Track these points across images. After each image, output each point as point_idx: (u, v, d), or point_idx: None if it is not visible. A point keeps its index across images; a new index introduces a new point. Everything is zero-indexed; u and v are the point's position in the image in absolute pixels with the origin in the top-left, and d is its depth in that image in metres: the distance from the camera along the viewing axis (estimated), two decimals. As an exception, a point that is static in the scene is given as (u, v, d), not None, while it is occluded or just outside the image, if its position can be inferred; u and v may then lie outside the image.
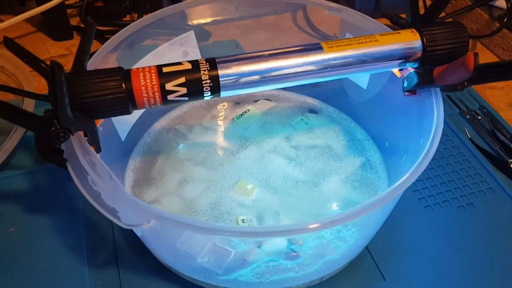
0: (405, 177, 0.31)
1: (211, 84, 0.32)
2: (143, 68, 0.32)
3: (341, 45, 0.34)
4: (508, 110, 0.54)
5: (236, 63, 0.33)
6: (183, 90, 0.32)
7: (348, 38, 0.34)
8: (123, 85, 0.31)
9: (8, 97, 0.47)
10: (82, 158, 0.30)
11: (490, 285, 0.39)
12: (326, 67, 0.34)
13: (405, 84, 0.37)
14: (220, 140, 0.45)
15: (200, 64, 0.32)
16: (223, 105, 0.49)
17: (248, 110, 0.48)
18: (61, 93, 0.28)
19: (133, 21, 0.64)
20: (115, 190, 0.29)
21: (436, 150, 0.45)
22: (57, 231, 0.41)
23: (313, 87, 0.50)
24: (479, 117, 0.51)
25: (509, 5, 0.57)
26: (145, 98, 0.31)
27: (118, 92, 0.31)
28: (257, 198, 0.40)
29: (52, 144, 0.30)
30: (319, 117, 0.48)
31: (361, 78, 0.44)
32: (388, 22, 0.64)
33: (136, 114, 0.44)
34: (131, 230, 0.39)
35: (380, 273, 0.39)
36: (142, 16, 0.63)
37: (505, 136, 0.49)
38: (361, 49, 0.34)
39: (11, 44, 0.32)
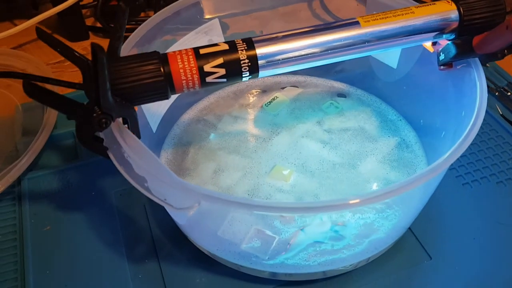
0: (446, 155, 0.30)
1: (249, 63, 0.32)
2: (180, 51, 0.31)
3: (377, 19, 0.33)
4: (537, 85, 0.53)
5: (273, 41, 0.32)
6: (222, 71, 0.31)
7: (384, 12, 0.34)
8: (162, 69, 0.30)
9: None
10: (125, 144, 0.30)
11: (538, 258, 0.38)
12: (364, 42, 0.33)
13: (442, 57, 0.37)
14: (250, 128, 0.45)
15: (237, 44, 0.32)
16: (250, 93, 0.48)
17: (276, 97, 0.47)
18: (103, 76, 0.27)
19: (148, 17, 0.65)
20: (163, 175, 0.28)
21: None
22: (93, 228, 0.41)
23: (339, 72, 0.49)
24: (508, 93, 0.51)
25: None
26: (184, 81, 0.31)
27: (157, 76, 0.30)
28: (295, 182, 0.40)
29: (93, 131, 0.29)
30: (349, 100, 0.47)
31: (391, 58, 0.44)
32: None
33: (165, 105, 0.43)
34: (168, 221, 0.38)
35: (426, 252, 0.38)
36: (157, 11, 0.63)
37: (537, 111, 0.48)
38: (398, 21, 0.33)
39: (44, 35, 0.31)
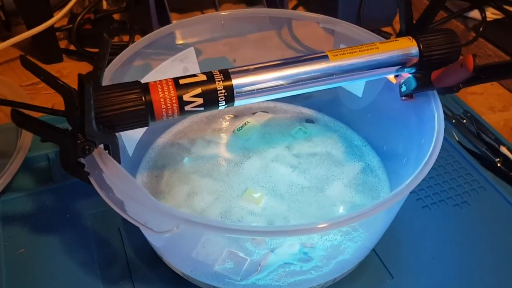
0: (410, 178, 0.33)
1: (225, 93, 0.34)
2: (160, 81, 0.33)
3: (345, 53, 0.36)
4: (489, 114, 0.57)
5: (248, 73, 0.34)
6: (200, 101, 0.33)
7: (350, 47, 0.36)
8: (143, 98, 0.32)
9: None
10: (106, 169, 0.31)
11: (489, 273, 0.41)
12: (332, 74, 0.36)
13: (403, 89, 0.40)
14: (223, 152, 0.47)
15: (215, 75, 0.34)
16: (223, 118, 0.50)
17: (248, 122, 0.49)
18: (88, 106, 0.28)
19: (122, 42, 0.66)
20: (143, 199, 0.29)
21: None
22: (67, 250, 0.41)
23: (307, 98, 0.52)
24: (464, 121, 0.54)
25: (483, 15, 0.61)
26: (164, 110, 0.33)
27: (138, 105, 0.32)
28: (266, 205, 0.42)
29: (77, 157, 0.30)
30: (316, 126, 0.50)
31: (356, 87, 0.47)
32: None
33: (141, 130, 0.44)
34: (143, 243, 0.39)
35: (388, 272, 0.41)
36: (133, 37, 0.64)
37: (490, 138, 0.52)
38: (364, 56, 0.36)
39: (27, 63, 0.32)
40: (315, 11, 0.73)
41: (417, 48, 0.37)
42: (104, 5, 0.71)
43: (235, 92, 0.34)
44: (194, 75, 0.34)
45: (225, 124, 0.50)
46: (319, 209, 0.42)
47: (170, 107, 0.33)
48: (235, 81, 0.34)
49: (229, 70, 0.34)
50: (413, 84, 0.38)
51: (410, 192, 0.46)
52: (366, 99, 0.47)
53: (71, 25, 0.64)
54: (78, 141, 0.30)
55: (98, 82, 0.33)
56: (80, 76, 0.28)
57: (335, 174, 0.45)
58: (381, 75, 0.38)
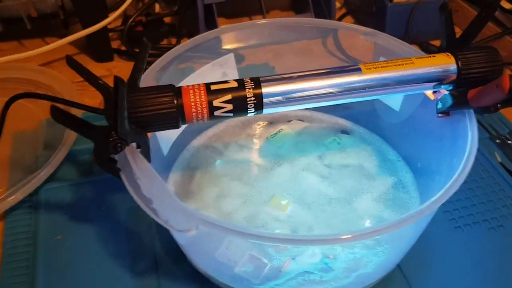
0: (436, 196, 0.32)
1: (255, 101, 0.34)
2: (193, 85, 0.34)
3: (378, 67, 0.36)
4: (537, 136, 0.55)
5: (278, 82, 0.35)
6: (229, 107, 0.34)
7: (385, 61, 0.36)
8: (175, 101, 0.33)
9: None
10: (136, 167, 0.32)
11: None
12: (364, 88, 0.36)
13: (439, 105, 0.39)
14: (255, 157, 0.47)
15: (246, 83, 0.34)
16: (257, 124, 0.51)
17: (282, 129, 0.50)
18: (122, 106, 0.30)
19: (170, 44, 0.69)
20: (167, 198, 0.31)
21: (471, 179, 0.47)
22: (100, 240, 0.43)
23: (345, 109, 0.52)
24: (509, 142, 0.52)
25: (537, 33, 0.59)
26: (194, 114, 0.34)
27: (170, 107, 0.33)
28: (292, 213, 0.42)
29: (109, 154, 0.32)
30: (351, 137, 0.50)
31: (394, 100, 0.46)
32: (419, 48, 0.66)
33: (177, 131, 0.46)
34: (171, 240, 0.41)
35: (410, 287, 0.40)
36: (179, 41, 0.66)
37: (535, 161, 0.50)
38: (398, 71, 0.36)
39: (72, 62, 0.34)
40: (363, 21, 0.73)
41: (455, 65, 0.36)
42: (157, 8, 0.74)
43: (264, 100, 0.34)
44: (226, 82, 0.35)
45: (259, 130, 0.51)
46: (345, 221, 0.42)
47: (200, 111, 0.34)
48: (265, 90, 0.34)
49: (260, 79, 0.35)
50: (449, 102, 0.37)
51: (444, 211, 0.45)
52: (403, 113, 0.46)
53: (123, 27, 0.67)
54: (111, 139, 0.31)
55: (136, 84, 0.35)
56: (115, 78, 0.30)
57: (365, 187, 0.44)
58: (416, 91, 0.37)
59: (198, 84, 0.34)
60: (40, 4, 0.65)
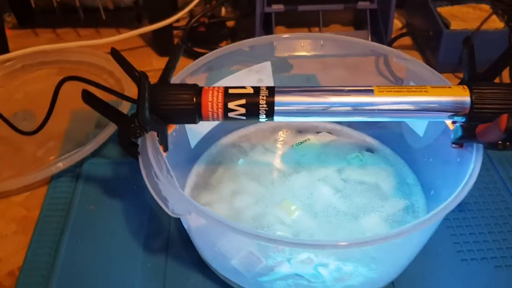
0: (428, 215, 0.33)
1: (267, 108, 0.37)
2: (213, 87, 0.38)
3: (391, 91, 0.37)
4: None
5: (292, 94, 0.37)
6: (242, 110, 0.37)
7: (400, 86, 0.38)
8: (194, 99, 0.37)
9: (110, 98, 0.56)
10: (150, 153, 0.36)
11: None
12: (373, 110, 0.37)
13: (452, 136, 0.39)
14: (277, 161, 0.50)
15: (261, 91, 0.37)
16: (287, 131, 0.54)
17: (309, 139, 0.52)
18: (143, 98, 0.34)
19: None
20: (169, 183, 0.34)
21: (487, 208, 0.47)
22: (126, 216, 0.48)
23: (375, 128, 0.53)
24: (542, 184, 0.51)
25: None
26: (210, 112, 0.37)
27: (189, 104, 0.37)
28: (298, 219, 0.44)
29: (129, 137, 0.36)
30: (375, 156, 0.51)
31: (419, 126, 0.47)
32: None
33: (207, 127, 0.50)
34: (184, 226, 0.44)
35: (401, 311, 0.41)
36: (235, 43, 0.70)
37: None
38: (410, 97, 0.37)
39: (115, 54, 0.39)
40: (421, 44, 0.73)
41: (469, 99, 0.37)
42: (223, 12, 0.79)
43: (275, 109, 0.37)
44: (244, 87, 0.38)
45: (287, 137, 0.53)
46: (347, 234, 0.43)
47: (216, 111, 0.37)
48: (278, 99, 0.37)
49: (275, 89, 0.38)
50: (459, 133, 0.38)
51: (454, 243, 0.45)
52: (426, 139, 0.46)
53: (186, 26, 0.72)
54: (132, 125, 0.36)
55: (167, 80, 0.39)
56: (140, 73, 0.34)
57: (376, 206, 0.45)
58: (428, 119, 0.39)
59: (218, 87, 0.38)
60: (116, -3, 0.72)
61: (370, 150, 0.52)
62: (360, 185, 0.47)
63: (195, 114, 0.37)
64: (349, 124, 0.54)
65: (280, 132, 0.54)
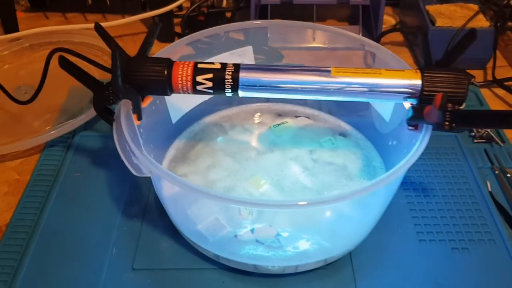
0: (370, 183, 0.36)
1: (232, 83, 0.40)
2: (184, 62, 0.41)
3: (347, 72, 0.40)
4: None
5: (255, 71, 0.40)
6: (209, 84, 0.40)
7: (356, 68, 0.40)
8: (165, 71, 0.40)
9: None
10: (123, 120, 0.40)
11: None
12: (330, 88, 0.40)
13: (406, 117, 0.42)
14: (253, 141, 0.53)
15: (227, 67, 0.40)
16: (268, 114, 0.57)
17: (286, 122, 0.55)
18: (115, 65, 0.38)
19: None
20: (135, 146, 0.37)
21: (452, 195, 0.49)
22: (109, 184, 0.52)
23: (350, 113, 0.55)
24: (508, 175, 0.52)
25: None
26: (180, 85, 0.40)
27: (160, 76, 0.40)
28: (265, 192, 0.47)
29: (103, 104, 0.40)
30: (347, 140, 0.53)
31: (385, 111, 0.49)
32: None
33: (189, 105, 0.53)
34: (157, 196, 0.48)
35: (354, 281, 0.43)
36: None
37: (528, 198, 0.50)
38: (364, 78, 0.40)
39: (98, 28, 0.43)
40: (411, 40, 0.75)
41: (420, 82, 0.39)
42: (225, 3, 0.82)
43: (240, 84, 0.40)
44: (212, 63, 0.41)
45: (267, 119, 0.56)
46: (309, 208, 0.46)
47: (185, 84, 0.40)
48: (242, 75, 0.40)
49: (241, 65, 0.40)
50: (410, 114, 0.40)
51: (415, 224, 0.48)
52: (392, 124, 0.49)
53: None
54: (106, 92, 0.39)
55: (144, 53, 0.42)
56: (113, 44, 0.37)
57: (340, 185, 0.48)
58: (380, 100, 0.41)
59: (189, 62, 0.41)
60: (122, -15, 0.76)
61: (343, 134, 0.54)
62: (328, 165, 0.50)
63: (166, 86, 0.40)
64: (326, 110, 0.57)
65: (261, 114, 0.57)
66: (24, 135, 0.55)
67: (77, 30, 0.71)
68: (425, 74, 0.39)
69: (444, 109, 0.33)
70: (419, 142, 0.38)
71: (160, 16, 0.72)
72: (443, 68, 0.40)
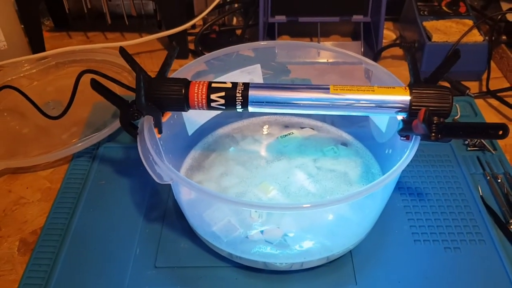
0: (361, 189, 0.40)
1: (242, 100, 0.45)
2: (200, 81, 0.46)
3: (344, 89, 0.45)
4: (533, 181, 0.58)
5: (263, 89, 0.45)
6: (222, 101, 0.45)
7: (352, 85, 0.45)
8: (183, 90, 0.45)
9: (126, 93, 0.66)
10: (146, 133, 0.45)
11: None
12: (328, 104, 0.45)
13: (397, 129, 0.46)
14: (262, 150, 0.58)
15: (238, 86, 0.45)
16: (276, 126, 0.62)
17: (292, 133, 0.60)
18: (139, 86, 0.43)
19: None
20: (158, 156, 0.43)
21: (446, 199, 0.53)
22: (131, 190, 0.57)
23: (351, 125, 0.60)
24: (499, 180, 0.57)
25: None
26: (196, 102, 0.46)
27: (178, 95, 0.45)
28: (273, 197, 0.52)
29: (129, 119, 0.45)
30: (348, 149, 0.58)
31: (382, 123, 0.54)
32: (448, 85, 0.71)
33: (204, 119, 0.58)
34: (176, 202, 0.53)
35: (354, 277, 0.48)
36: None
37: (517, 202, 0.54)
38: (359, 95, 0.44)
39: (122, 51, 0.48)
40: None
41: (409, 98, 0.44)
42: (235, 21, 0.88)
43: (249, 101, 0.45)
44: (225, 83, 0.46)
45: (275, 130, 0.61)
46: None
47: (200, 101, 0.45)
48: (251, 93, 0.45)
49: (250, 84, 0.46)
50: (400, 126, 0.45)
51: (410, 226, 0.52)
52: (387, 134, 0.53)
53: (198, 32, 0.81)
54: (131, 109, 0.44)
55: (164, 73, 0.48)
56: (137, 66, 0.43)
57: (341, 190, 0.53)
58: (374, 113, 0.46)
59: (204, 81, 0.46)
60: (139, 6, 0.82)
61: (344, 144, 0.59)
62: (331, 172, 0.55)
63: (183, 103, 0.46)
64: (328, 122, 0.62)
65: (269, 126, 0.62)
66: (54, 147, 0.61)
67: (99, 49, 0.77)
68: (413, 91, 0.44)
69: (429, 122, 0.38)
70: (409, 150, 0.43)
71: (175, 34, 0.78)
72: (430, 85, 0.44)
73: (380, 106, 0.44)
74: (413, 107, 0.43)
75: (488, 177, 0.57)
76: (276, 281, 0.48)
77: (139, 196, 0.56)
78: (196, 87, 0.45)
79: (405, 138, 0.47)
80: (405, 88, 0.44)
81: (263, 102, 0.45)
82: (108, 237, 0.52)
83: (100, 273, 0.49)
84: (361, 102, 0.44)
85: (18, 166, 0.60)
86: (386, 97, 0.44)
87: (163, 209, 0.55)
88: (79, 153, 0.61)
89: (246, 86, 0.45)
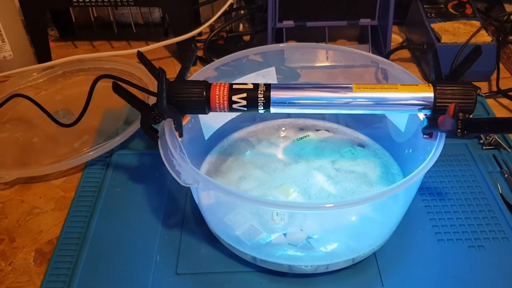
0: (384, 190, 0.40)
1: (264, 101, 0.45)
2: (221, 83, 0.46)
3: (367, 88, 0.44)
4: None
5: (285, 90, 0.45)
6: (244, 102, 0.45)
7: (375, 84, 0.45)
8: (204, 93, 0.45)
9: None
10: (167, 136, 0.44)
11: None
12: (352, 103, 0.44)
13: (421, 126, 0.46)
14: (279, 153, 0.57)
15: (259, 86, 0.45)
16: (290, 128, 0.61)
17: (308, 135, 0.59)
18: (161, 89, 0.42)
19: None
20: (181, 159, 0.42)
21: (466, 198, 0.53)
22: (148, 197, 0.56)
23: (366, 126, 0.60)
24: (517, 178, 0.57)
25: None
26: (217, 104, 0.45)
27: (199, 97, 0.45)
28: (294, 199, 0.51)
29: (150, 122, 0.44)
30: (365, 150, 0.58)
31: (400, 122, 0.54)
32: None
33: (220, 123, 0.58)
34: (197, 206, 0.52)
35: (381, 279, 0.47)
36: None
37: (537, 199, 0.54)
38: (383, 93, 0.44)
39: (141, 55, 0.48)
40: (418, 57, 0.79)
41: (433, 95, 0.43)
42: (241, 27, 0.88)
43: (271, 101, 0.45)
44: (246, 84, 0.45)
45: (290, 133, 0.60)
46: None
47: (222, 103, 0.45)
48: (273, 93, 0.45)
49: (272, 85, 0.45)
50: (425, 123, 0.44)
51: (433, 226, 0.52)
52: (407, 134, 0.53)
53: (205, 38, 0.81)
54: (152, 112, 0.44)
55: (183, 76, 0.47)
56: (159, 69, 0.42)
57: (362, 191, 0.52)
58: (397, 112, 0.45)
59: (225, 83, 0.46)
60: (146, 14, 0.82)
61: (361, 145, 0.59)
62: (350, 173, 0.54)
63: (205, 105, 0.45)
64: (344, 123, 0.61)
65: (284, 129, 0.61)
66: (66, 156, 0.60)
67: (107, 57, 0.76)
68: (437, 88, 0.43)
69: (456, 118, 0.38)
70: (435, 148, 0.43)
71: (183, 42, 0.78)
72: (452, 81, 0.44)
73: (404, 104, 0.44)
74: (437, 104, 0.43)
75: (506, 175, 0.57)
76: (300, 284, 0.47)
77: (156, 202, 0.55)
78: (217, 89, 0.45)
79: (428, 136, 0.46)
80: (429, 85, 0.44)
81: (286, 103, 0.45)
82: (126, 244, 0.51)
83: (121, 281, 0.48)
84: (385, 100, 0.44)
85: (30, 175, 0.59)
86: (410, 94, 0.44)
87: (181, 214, 0.54)
88: (92, 161, 0.60)
89: (268, 87, 0.45)
